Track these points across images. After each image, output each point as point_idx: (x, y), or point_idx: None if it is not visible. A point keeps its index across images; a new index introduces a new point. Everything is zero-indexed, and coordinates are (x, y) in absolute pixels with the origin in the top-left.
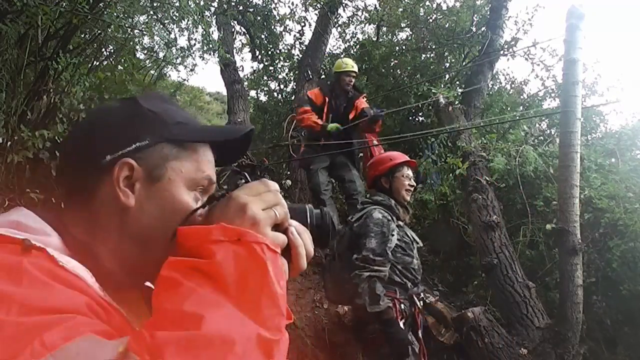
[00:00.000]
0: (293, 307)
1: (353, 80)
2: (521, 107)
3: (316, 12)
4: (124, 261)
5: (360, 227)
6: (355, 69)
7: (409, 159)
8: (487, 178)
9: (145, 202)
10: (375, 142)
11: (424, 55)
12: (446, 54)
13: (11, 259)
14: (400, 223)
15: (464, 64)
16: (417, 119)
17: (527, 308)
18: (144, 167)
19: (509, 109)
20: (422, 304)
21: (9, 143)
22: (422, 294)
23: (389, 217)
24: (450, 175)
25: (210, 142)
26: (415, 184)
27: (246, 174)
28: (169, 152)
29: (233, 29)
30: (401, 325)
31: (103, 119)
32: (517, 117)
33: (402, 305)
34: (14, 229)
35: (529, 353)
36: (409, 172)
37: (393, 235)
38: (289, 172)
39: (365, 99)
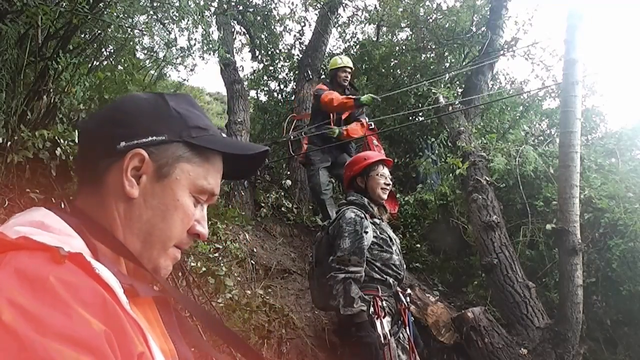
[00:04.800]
0: (293, 307)
1: (349, 76)
2: (521, 107)
3: (316, 12)
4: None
5: (334, 229)
6: (350, 64)
7: (384, 157)
8: (487, 178)
9: (149, 197)
10: (376, 142)
11: (424, 55)
12: (446, 54)
13: (40, 271)
14: (377, 220)
15: (464, 64)
16: (417, 119)
17: (527, 308)
18: (154, 162)
19: (508, 108)
20: (408, 300)
21: (9, 143)
22: (408, 289)
23: (362, 215)
24: (450, 175)
25: (224, 154)
26: (391, 183)
27: None
28: (183, 153)
29: (233, 29)
30: (383, 323)
31: (127, 106)
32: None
33: (385, 303)
34: (39, 228)
35: (529, 353)
36: (385, 171)
37: (367, 232)
38: (288, 172)
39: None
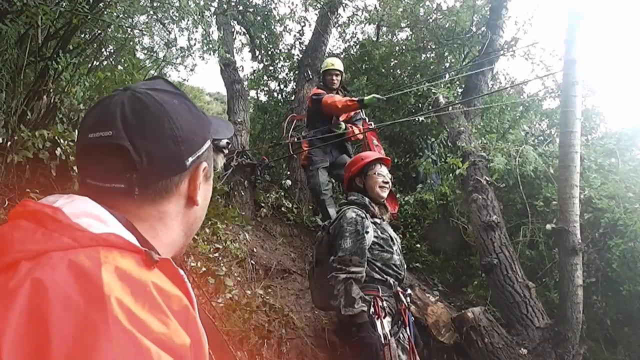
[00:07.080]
0: (293, 307)
1: (335, 78)
2: (521, 107)
3: (316, 12)
4: (169, 254)
5: (335, 229)
6: (337, 66)
7: (382, 156)
8: (487, 178)
9: (202, 198)
10: (376, 142)
11: (424, 55)
12: (446, 54)
13: (140, 275)
14: (377, 220)
15: (464, 64)
16: (417, 119)
17: (527, 308)
18: (208, 166)
19: (508, 109)
20: (409, 300)
21: (9, 143)
22: (408, 289)
23: (363, 215)
24: (450, 175)
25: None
26: (389, 181)
27: None
28: (211, 148)
29: (233, 29)
30: (383, 324)
31: (177, 120)
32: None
33: (385, 303)
34: (97, 221)
35: (529, 353)
36: (382, 170)
37: (368, 232)
38: (288, 172)
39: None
